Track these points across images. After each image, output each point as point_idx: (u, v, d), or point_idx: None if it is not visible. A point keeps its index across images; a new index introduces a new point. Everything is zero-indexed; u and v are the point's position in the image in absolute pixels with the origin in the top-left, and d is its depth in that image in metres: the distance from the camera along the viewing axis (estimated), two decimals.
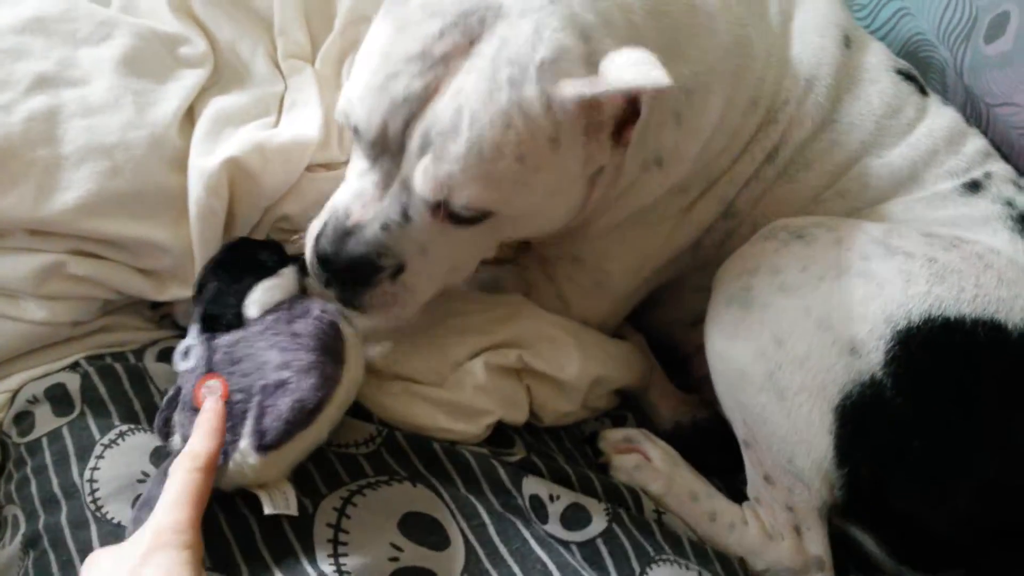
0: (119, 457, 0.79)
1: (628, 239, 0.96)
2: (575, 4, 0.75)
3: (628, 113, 0.75)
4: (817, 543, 0.84)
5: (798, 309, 0.82)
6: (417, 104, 0.72)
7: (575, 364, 0.90)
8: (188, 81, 0.98)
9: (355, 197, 0.78)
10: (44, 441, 0.82)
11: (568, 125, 0.73)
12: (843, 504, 0.83)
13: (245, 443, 0.73)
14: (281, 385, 0.74)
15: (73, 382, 0.86)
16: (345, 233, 0.77)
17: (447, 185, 0.72)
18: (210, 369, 0.77)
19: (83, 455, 0.80)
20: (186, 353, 0.79)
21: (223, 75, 1.02)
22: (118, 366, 0.87)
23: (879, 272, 0.81)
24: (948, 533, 0.81)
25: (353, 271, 0.78)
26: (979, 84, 1.05)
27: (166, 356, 0.91)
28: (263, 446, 0.72)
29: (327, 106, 0.99)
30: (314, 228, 0.81)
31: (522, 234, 0.88)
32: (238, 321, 0.79)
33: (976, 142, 0.95)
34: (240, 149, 0.92)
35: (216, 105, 0.98)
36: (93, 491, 0.77)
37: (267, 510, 0.71)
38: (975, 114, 1.06)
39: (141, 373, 0.88)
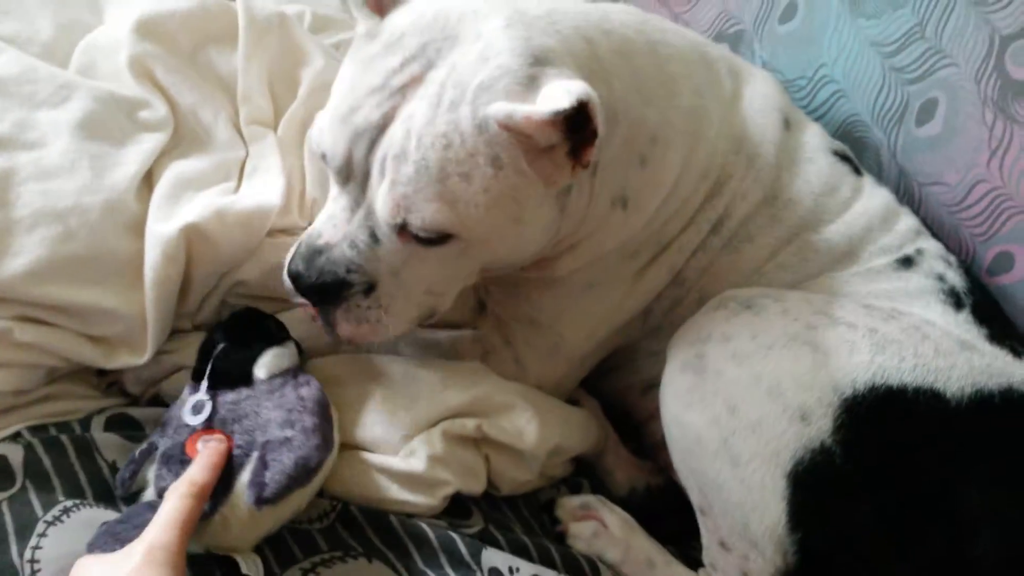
0: (63, 535, 0.75)
1: (582, 303, 0.98)
2: (535, 28, 0.78)
3: (580, 136, 0.76)
4: None
5: (749, 377, 0.84)
6: (376, 132, 0.76)
7: (534, 433, 0.91)
8: (147, 145, 0.98)
9: (327, 219, 0.82)
10: None
11: (504, 146, 0.75)
12: (796, 571, 0.84)
13: (241, 495, 0.74)
14: (285, 442, 0.77)
15: (15, 454, 0.82)
16: (316, 252, 0.81)
17: (403, 207, 0.76)
18: (210, 425, 0.78)
19: (24, 533, 0.75)
20: (197, 408, 0.80)
21: (183, 139, 1.03)
22: (64, 438, 0.84)
23: (824, 342, 0.85)
24: None
25: (323, 288, 0.81)
26: (911, 164, 1.12)
27: (114, 426, 0.89)
28: (262, 499, 0.73)
29: (289, 172, 1.00)
30: (291, 249, 0.85)
31: (496, 258, 0.87)
32: (245, 381, 0.82)
33: (908, 220, 1.01)
34: (200, 215, 0.91)
35: (176, 169, 0.98)
36: (34, 572, 0.73)
37: (244, 569, 0.71)
38: (908, 192, 1.12)
39: (88, 445, 0.85)
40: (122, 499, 0.80)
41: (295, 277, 0.82)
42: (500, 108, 0.73)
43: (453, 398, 0.90)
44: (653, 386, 0.96)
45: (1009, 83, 1.01)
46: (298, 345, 0.88)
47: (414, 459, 0.86)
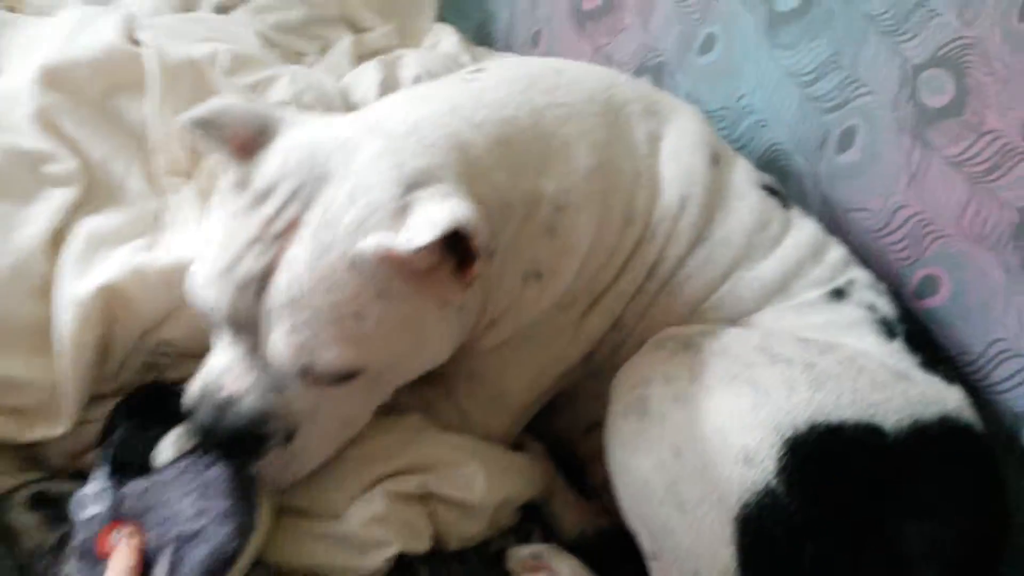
0: None
1: (523, 356, 0.97)
2: (405, 151, 0.78)
3: (462, 252, 0.76)
4: None
5: (693, 420, 0.84)
6: (261, 282, 0.75)
7: (481, 485, 0.89)
8: (55, 202, 0.93)
9: (224, 371, 0.79)
10: None
11: (384, 278, 0.75)
12: None
13: None
14: (196, 535, 0.73)
15: None
16: (220, 407, 0.77)
17: (304, 351, 0.74)
18: (118, 516, 0.74)
19: None
20: (99, 498, 0.75)
21: (95, 194, 0.97)
22: None
23: (763, 380, 0.85)
24: None
25: (238, 443, 0.78)
26: (834, 191, 1.14)
27: (37, 505, 0.82)
28: None
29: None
30: (191, 398, 0.80)
31: (409, 377, 0.88)
32: (148, 468, 0.77)
33: (837, 251, 1.02)
34: (117, 274, 0.87)
35: (87, 225, 0.93)
36: None
37: None
38: (833, 220, 1.14)
39: (9, 529, 0.80)
40: None
41: (203, 433, 0.78)
42: (368, 245, 0.73)
43: (395, 455, 0.88)
44: (595, 426, 0.95)
45: (923, 110, 1.04)
46: None
47: (352, 521, 0.83)
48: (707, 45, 1.30)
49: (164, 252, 0.93)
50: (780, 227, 1.01)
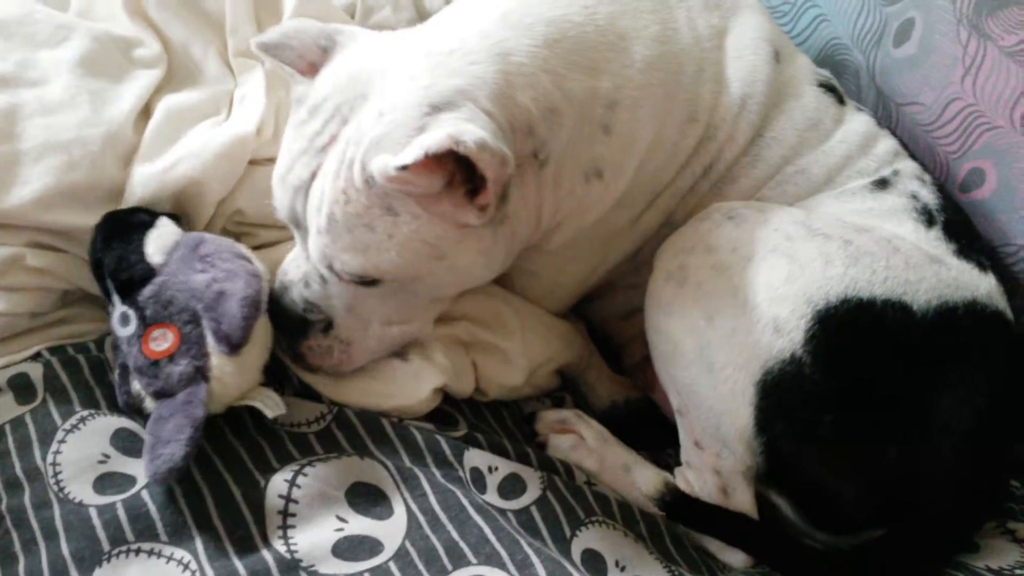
0: (80, 441, 0.82)
1: (581, 255, 1.01)
2: (441, 71, 0.80)
3: (470, 178, 0.78)
4: (743, 503, 0.91)
5: (727, 288, 0.88)
6: (308, 188, 0.83)
7: (519, 338, 0.97)
8: (143, 81, 1.02)
9: (292, 259, 0.91)
10: (7, 428, 0.84)
11: (394, 196, 0.79)
12: (763, 470, 0.89)
13: (215, 356, 0.82)
14: (219, 295, 0.83)
15: (36, 371, 0.88)
16: (283, 288, 0.90)
17: (326, 255, 0.83)
18: (146, 324, 0.84)
19: (45, 440, 0.82)
20: (124, 320, 0.85)
21: (176, 74, 1.07)
22: (80, 357, 0.90)
23: (801, 253, 0.87)
24: (856, 499, 0.87)
25: (287, 321, 0.90)
26: (889, 85, 1.14)
27: None
28: (234, 345, 0.81)
29: (277, 103, 1.03)
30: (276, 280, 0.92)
31: (449, 291, 0.92)
32: (150, 273, 0.86)
33: (886, 143, 1.02)
34: (183, 154, 0.96)
35: (169, 103, 1.02)
36: (56, 473, 0.80)
37: (269, 415, 0.81)
38: (886, 113, 1.14)
39: (101, 362, 0.91)
40: (133, 414, 0.86)
41: (271, 310, 0.89)
42: (376, 163, 0.76)
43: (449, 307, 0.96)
44: (633, 313, 1.01)
45: (983, 0, 1.02)
46: (174, 217, 0.93)
47: (404, 356, 0.93)
48: None
49: (223, 130, 1.00)
50: (832, 123, 1.00)
